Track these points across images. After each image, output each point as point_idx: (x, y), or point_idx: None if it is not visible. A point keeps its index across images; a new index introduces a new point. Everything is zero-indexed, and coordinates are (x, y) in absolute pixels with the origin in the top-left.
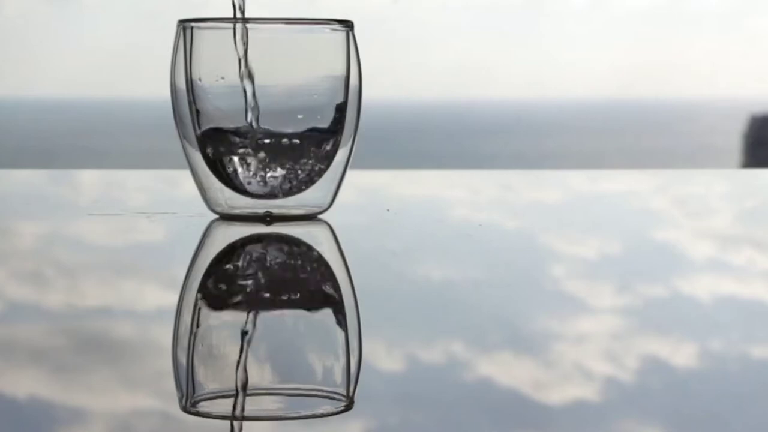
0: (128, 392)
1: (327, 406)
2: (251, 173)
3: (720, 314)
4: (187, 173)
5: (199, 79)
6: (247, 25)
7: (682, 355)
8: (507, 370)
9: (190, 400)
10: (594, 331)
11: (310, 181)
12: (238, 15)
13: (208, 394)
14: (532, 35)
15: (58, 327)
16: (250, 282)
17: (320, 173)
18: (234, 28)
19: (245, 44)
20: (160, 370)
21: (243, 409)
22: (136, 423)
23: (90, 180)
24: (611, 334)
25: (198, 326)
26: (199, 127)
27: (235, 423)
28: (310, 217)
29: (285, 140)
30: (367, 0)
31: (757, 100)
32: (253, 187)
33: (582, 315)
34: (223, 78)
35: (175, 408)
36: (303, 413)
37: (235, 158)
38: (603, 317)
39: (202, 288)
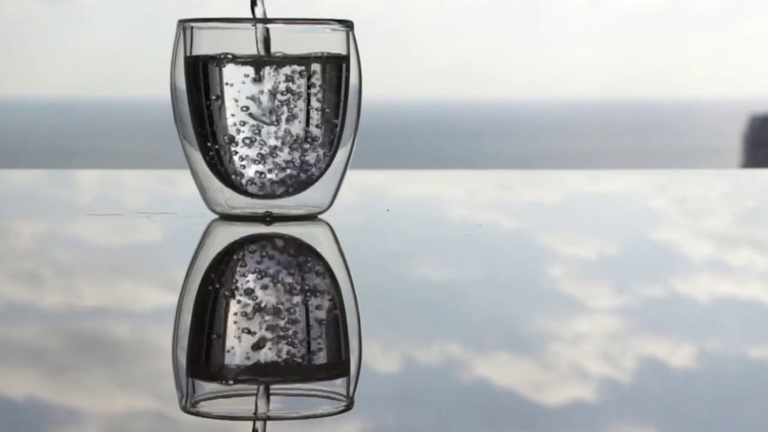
0: (127, 393)
1: (327, 406)
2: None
3: (719, 315)
4: (187, 173)
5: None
6: (247, 26)
7: (680, 355)
8: (505, 371)
9: (190, 400)
10: (592, 332)
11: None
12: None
13: (208, 394)
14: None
15: (58, 327)
16: (248, 281)
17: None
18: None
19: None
20: (160, 371)
21: (242, 409)
22: (135, 423)
23: (89, 180)
24: (610, 334)
25: (198, 326)
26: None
27: (235, 423)
28: (310, 217)
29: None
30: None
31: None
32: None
33: (581, 315)
34: None
35: (174, 408)
36: (303, 413)
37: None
38: (602, 318)
39: (203, 288)
